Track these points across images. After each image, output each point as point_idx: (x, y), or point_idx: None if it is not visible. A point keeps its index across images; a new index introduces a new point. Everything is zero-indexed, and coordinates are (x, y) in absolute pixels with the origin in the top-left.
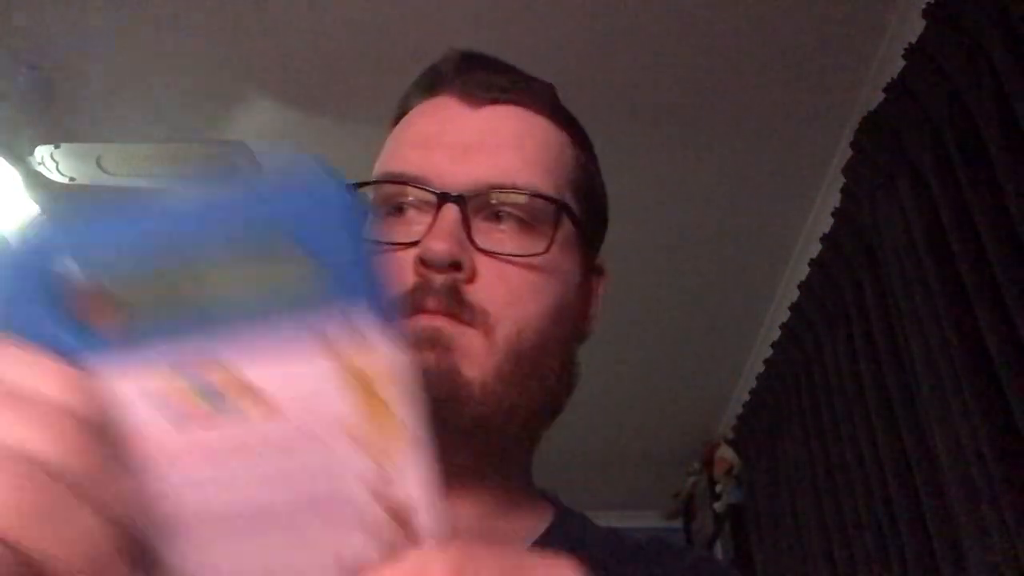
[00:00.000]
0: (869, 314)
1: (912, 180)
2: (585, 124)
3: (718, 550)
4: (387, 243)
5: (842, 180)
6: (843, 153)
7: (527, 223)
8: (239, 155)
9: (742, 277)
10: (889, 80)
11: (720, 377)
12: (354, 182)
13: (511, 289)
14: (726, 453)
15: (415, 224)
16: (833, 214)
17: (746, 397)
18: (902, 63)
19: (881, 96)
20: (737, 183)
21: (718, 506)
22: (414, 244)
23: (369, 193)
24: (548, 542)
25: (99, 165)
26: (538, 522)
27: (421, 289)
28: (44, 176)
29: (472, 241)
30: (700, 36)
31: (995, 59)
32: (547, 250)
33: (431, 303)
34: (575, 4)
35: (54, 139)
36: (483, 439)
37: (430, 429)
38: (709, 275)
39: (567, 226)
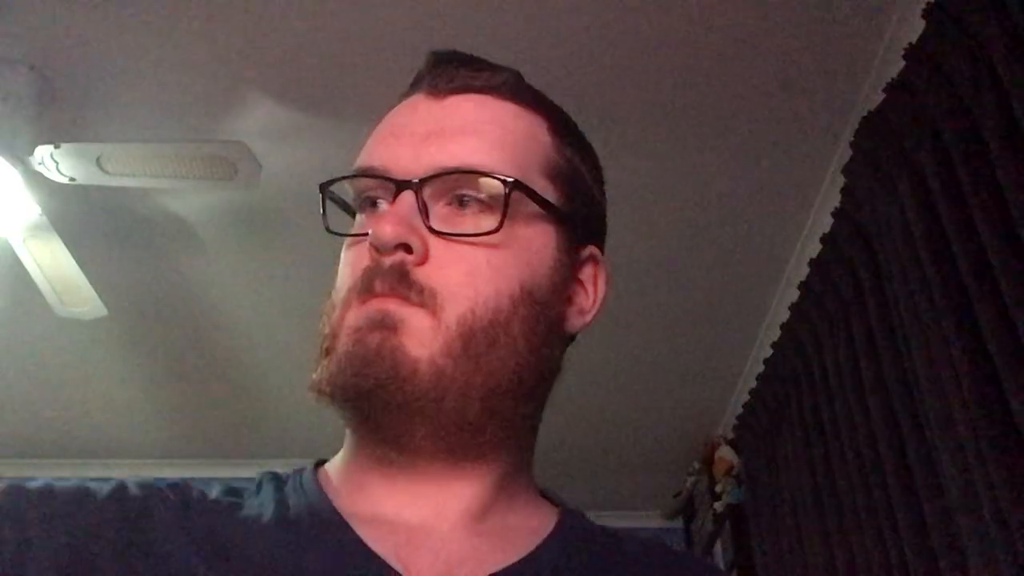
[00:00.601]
0: (869, 314)
1: (912, 180)
2: (586, 123)
3: (718, 550)
4: (350, 234)
5: (842, 180)
6: (843, 153)
7: (487, 205)
8: (239, 155)
9: (742, 277)
10: (889, 80)
11: (720, 377)
12: (324, 180)
13: (467, 269)
14: (726, 453)
15: (378, 213)
16: (833, 214)
17: (746, 397)
18: (902, 63)
19: (881, 96)
20: (737, 183)
21: (718, 506)
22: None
23: (349, 190)
24: (560, 540)
25: (99, 165)
26: (545, 519)
27: (371, 272)
28: (44, 176)
29: (427, 224)
30: (700, 37)
31: (995, 59)
32: (498, 228)
33: (378, 285)
34: (574, 5)
35: (54, 139)
36: (438, 416)
37: (381, 409)
38: (709, 275)
39: (528, 205)
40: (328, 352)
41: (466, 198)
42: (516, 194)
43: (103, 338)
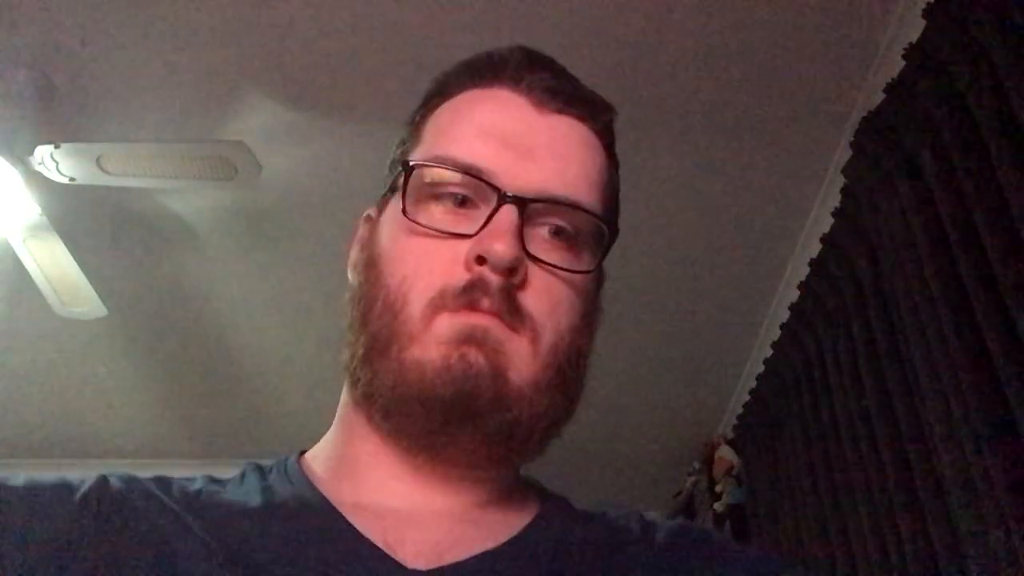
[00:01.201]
0: (869, 314)
1: (912, 180)
2: None
3: None
4: (437, 229)
5: (842, 180)
6: (843, 153)
7: (573, 237)
8: (239, 155)
9: (742, 277)
10: (889, 80)
11: (720, 377)
12: (416, 161)
13: (554, 301)
14: (726, 453)
15: (467, 216)
16: (833, 214)
17: (746, 397)
18: (902, 63)
19: (881, 96)
20: (738, 183)
21: (718, 506)
22: (466, 237)
23: (424, 174)
24: (546, 522)
25: (99, 165)
26: (523, 514)
27: (477, 287)
28: (44, 176)
29: (524, 247)
30: (699, 37)
31: (995, 59)
32: (594, 269)
33: (486, 303)
34: (574, 6)
35: (54, 139)
36: (508, 442)
37: (468, 427)
38: (710, 276)
39: (603, 248)
40: (393, 352)
41: (555, 224)
42: (611, 239)
43: (103, 338)
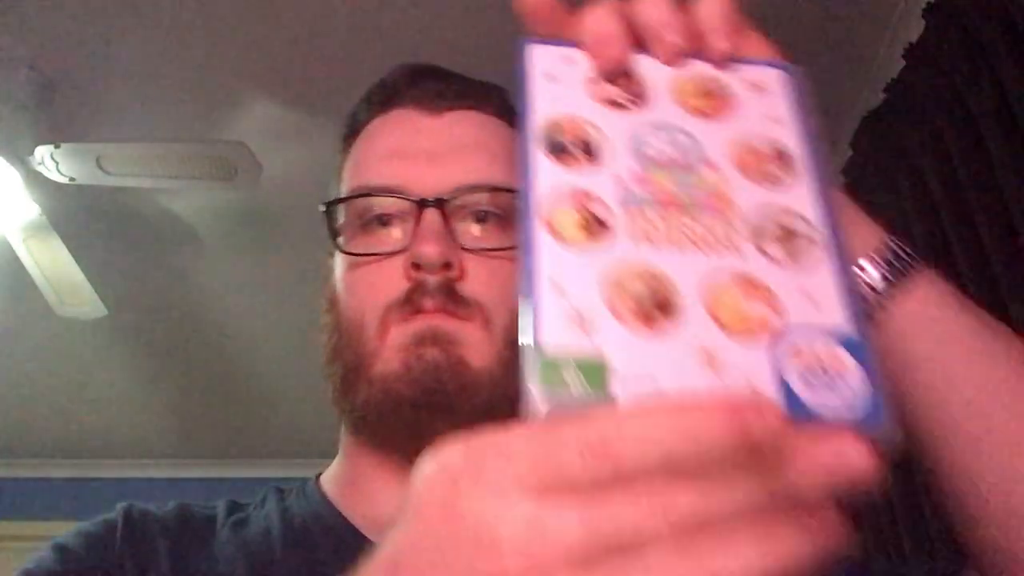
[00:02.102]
0: None
1: (912, 180)
2: None
3: None
4: (371, 254)
5: (842, 180)
6: (843, 153)
7: (503, 217)
8: (239, 155)
9: None
10: (889, 80)
11: None
12: (328, 200)
13: (499, 282)
14: None
15: (394, 233)
16: None
17: None
18: (902, 63)
19: (881, 96)
20: None
21: None
22: (399, 252)
23: (341, 209)
24: None
25: (99, 165)
26: None
27: (417, 291)
28: (44, 176)
29: (456, 241)
30: None
31: (995, 59)
32: None
33: (428, 303)
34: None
35: (54, 139)
36: (491, 425)
37: (444, 421)
38: None
39: None
40: (363, 373)
41: (481, 211)
42: None
43: (103, 338)
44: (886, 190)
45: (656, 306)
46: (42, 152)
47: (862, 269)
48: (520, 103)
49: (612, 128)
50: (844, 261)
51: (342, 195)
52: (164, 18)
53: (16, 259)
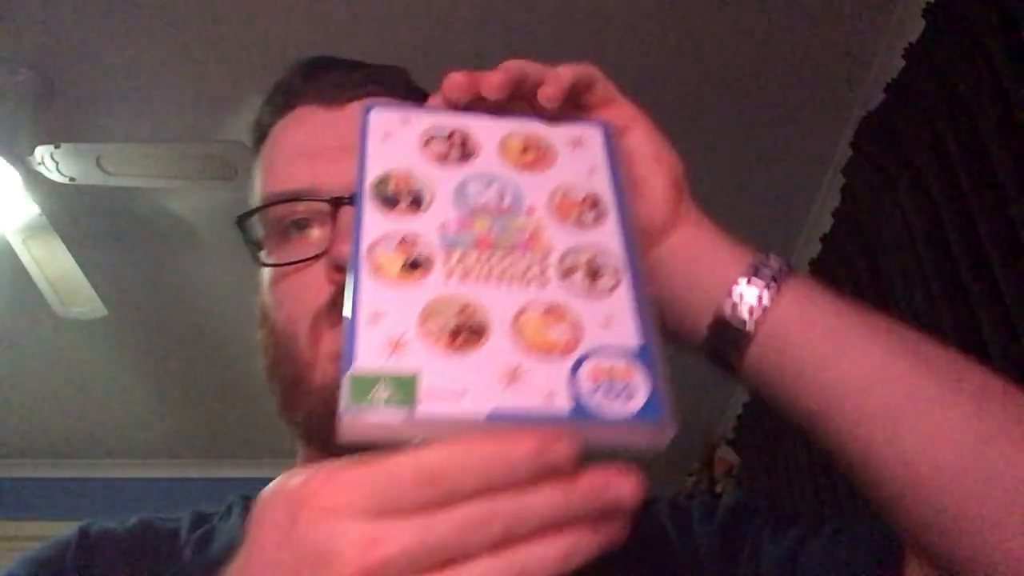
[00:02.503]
0: None
1: (912, 180)
2: None
3: None
4: (290, 263)
5: (842, 180)
6: (843, 153)
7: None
8: (239, 155)
9: None
10: (889, 80)
11: (720, 377)
12: (240, 212)
13: None
14: (726, 453)
15: (314, 236)
16: (833, 214)
17: (746, 397)
18: (902, 63)
19: (881, 96)
20: (737, 183)
21: None
22: (319, 256)
23: (258, 220)
24: None
25: (99, 165)
26: None
27: (342, 293)
28: (44, 176)
29: None
30: (700, 37)
31: (995, 59)
32: None
33: None
34: (571, 4)
35: (54, 139)
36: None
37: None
38: None
39: None
40: (302, 385)
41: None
42: None
43: (103, 338)
44: (886, 190)
45: (467, 331)
46: (42, 152)
47: (737, 289)
48: (357, 163)
49: (439, 180)
50: (640, 288)
51: (256, 205)
52: (164, 18)
53: (16, 259)
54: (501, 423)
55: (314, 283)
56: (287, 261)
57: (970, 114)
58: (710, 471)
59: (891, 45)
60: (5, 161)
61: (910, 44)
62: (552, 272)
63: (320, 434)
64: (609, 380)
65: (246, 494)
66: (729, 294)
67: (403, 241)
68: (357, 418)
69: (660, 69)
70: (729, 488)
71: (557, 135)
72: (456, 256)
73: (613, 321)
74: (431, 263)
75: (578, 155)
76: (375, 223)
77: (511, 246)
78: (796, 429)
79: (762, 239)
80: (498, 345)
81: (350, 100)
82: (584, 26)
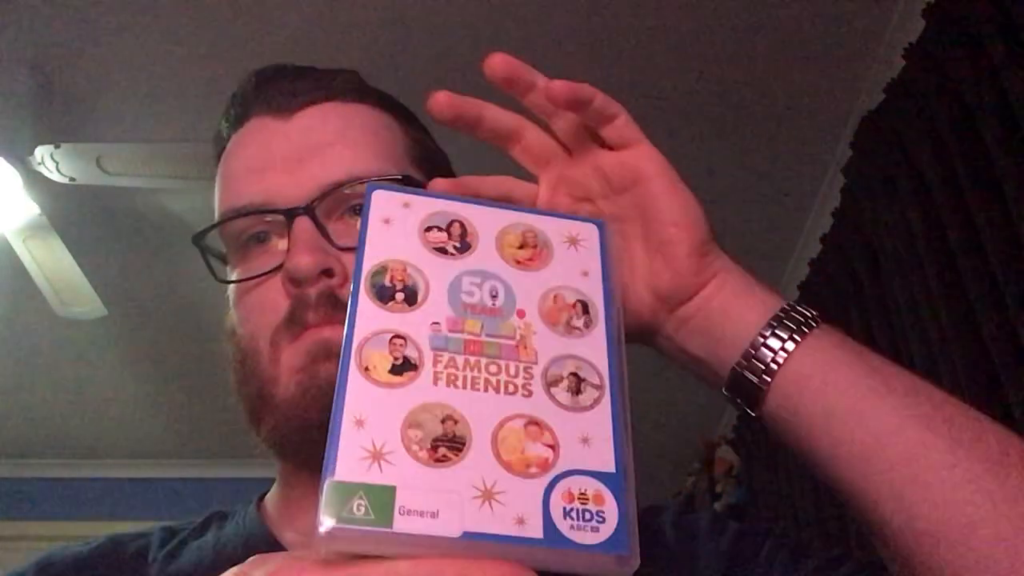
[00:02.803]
0: (869, 314)
1: (912, 180)
2: None
3: None
4: (248, 278)
5: (842, 180)
6: (843, 153)
7: None
8: None
9: None
10: (889, 80)
11: None
12: (198, 230)
13: None
14: (726, 453)
15: (275, 248)
16: (833, 214)
17: None
18: (902, 63)
19: (881, 96)
20: (737, 183)
21: (718, 506)
22: (276, 270)
23: (218, 236)
24: None
25: (99, 165)
26: None
27: (298, 308)
28: (44, 176)
29: (333, 243)
30: (700, 37)
31: (995, 59)
32: None
33: (311, 317)
34: (573, 6)
35: (54, 139)
36: None
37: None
38: None
39: None
40: (267, 400)
41: (356, 206)
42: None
43: (103, 338)
44: (886, 190)
45: (447, 443)
46: (42, 152)
47: (763, 336)
48: (358, 246)
49: (434, 273)
50: (620, 406)
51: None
52: (164, 18)
53: (16, 259)
54: (473, 544)
55: (273, 297)
56: (246, 276)
57: (970, 114)
58: (710, 471)
59: (891, 45)
60: (5, 161)
61: (910, 44)
62: (536, 384)
63: (287, 448)
64: (581, 506)
65: (223, 511)
66: (749, 348)
67: (394, 340)
68: (334, 534)
69: (660, 69)
70: (729, 488)
71: (554, 230)
72: (444, 360)
73: (591, 440)
74: (419, 365)
75: (573, 254)
76: (367, 318)
77: (498, 352)
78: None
79: (762, 239)
80: (477, 461)
81: (300, 108)
82: (585, 28)
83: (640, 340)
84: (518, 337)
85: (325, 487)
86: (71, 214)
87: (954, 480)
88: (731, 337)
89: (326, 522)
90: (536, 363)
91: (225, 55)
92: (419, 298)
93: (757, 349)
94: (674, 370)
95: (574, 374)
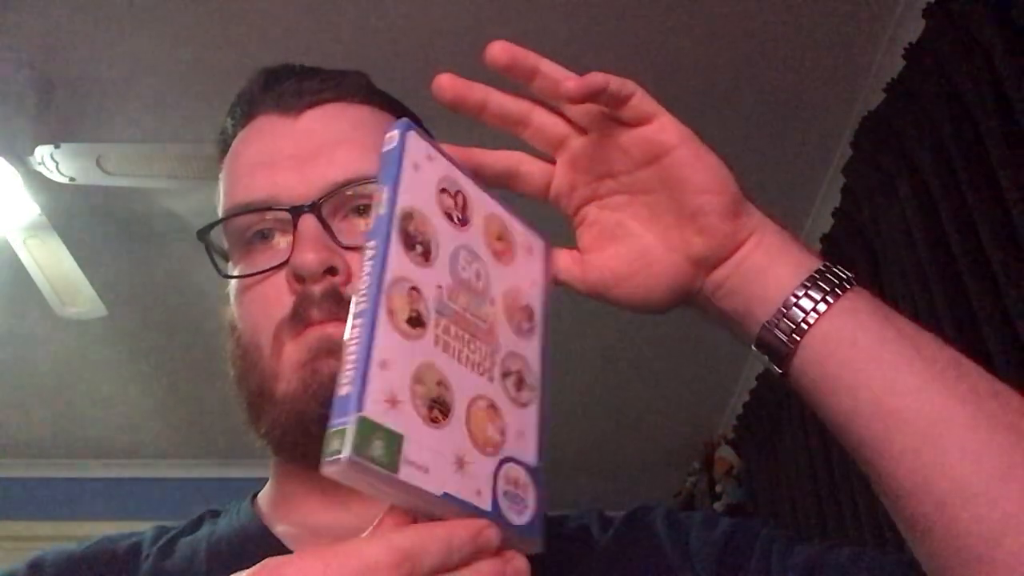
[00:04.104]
0: None
1: (912, 180)
2: None
3: None
4: (252, 273)
5: (842, 180)
6: (843, 153)
7: None
8: None
9: None
10: (889, 80)
11: (720, 377)
12: (203, 226)
13: None
14: (726, 453)
15: (279, 245)
16: (833, 214)
17: (746, 397)
18: (902, 63)
19: (881, 96)
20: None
21: (718, 506)
22: (282, 266)
23: (222, 232)
24: None
25: (99, 165)
26: None
27: (303, 304)
28: (44, 176)
29: (338, 242)
30: (699, 37)
31: (995, 59)
32: None
33: (315, 314)
34: (575, 7)
35: (54, 139)
36: None
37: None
38: None
39: None
40: (267, 395)
41: (360, 206)
42: None
43: (103, 338)
44: (886, 190)
45: (439, 408)
46: (42, 152)
47: (796, 295)
48: (391, 177)
49: (444, 237)
50: (546, 411)
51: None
52: (163, 18)
53: (16, 259)
54: (447, 505)
55: (277, 293)
56: (250, 272)
57: (970, 114)
58: (710, 471)
59: (891, 45)
60: (5, 161)
61: (910, 44)
62: (496, 371)
63: (285, 442)
64: (514, 490)
65: (216, 509)
66: (781, 307)
67: (412, 290)
68: (352, 467)
69: (658, 69)
70: (729, 488)
71: (519, 234)
72: (442, 325)
73: (524, 435)
74: (425, 323)
75: (527, 262)
76: (398, 260)
77: (476, 332)
78: (830, 429)
79: None
80: (455, 429)
81: (308, 107)
82: (585, 26)
83: (682, 303)
84: (489, 323)
85: (354, 419)
86: (71, 214)
87: (976, 443)
88: (765, 296)
89: (347, 451)
90: (498, 352)
91: (225, 55)
92: (431, 256)
93: (789, 309)
94: (674, 370)
95: (519, 372)
